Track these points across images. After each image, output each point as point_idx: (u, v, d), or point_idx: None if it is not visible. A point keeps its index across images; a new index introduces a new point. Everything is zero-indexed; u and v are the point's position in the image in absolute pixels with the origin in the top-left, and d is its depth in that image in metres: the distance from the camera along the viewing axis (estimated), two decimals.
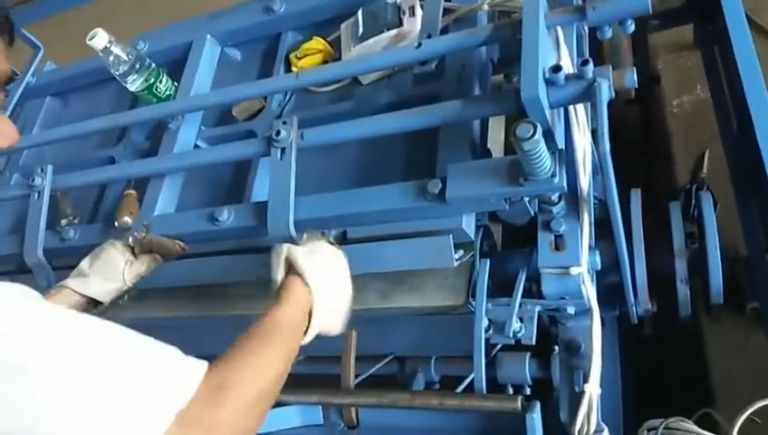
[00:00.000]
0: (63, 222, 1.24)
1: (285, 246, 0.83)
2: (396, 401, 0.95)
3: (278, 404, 1.06)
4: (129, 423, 0.52)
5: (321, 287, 0.78)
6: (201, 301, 1.20)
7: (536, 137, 0.74)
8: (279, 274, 0.80)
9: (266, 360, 0.66)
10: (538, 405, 0.88)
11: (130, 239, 1.02)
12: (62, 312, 0.57)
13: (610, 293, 1.09)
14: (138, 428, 0.52)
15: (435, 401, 0.93)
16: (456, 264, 0.93)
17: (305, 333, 0.77)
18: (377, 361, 1.18)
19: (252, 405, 0.61)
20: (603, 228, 1.00)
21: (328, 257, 0.84)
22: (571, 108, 0.90)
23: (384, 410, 1.01)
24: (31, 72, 1.53)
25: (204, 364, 0.60)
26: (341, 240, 0.99)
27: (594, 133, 0.87)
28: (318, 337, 0.80)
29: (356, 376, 1.05)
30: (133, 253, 1.02)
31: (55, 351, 0.52)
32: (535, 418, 0.86)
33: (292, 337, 0.74)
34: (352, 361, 1.01)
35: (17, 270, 1.27)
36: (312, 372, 1.28)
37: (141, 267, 1.00)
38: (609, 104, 0.81)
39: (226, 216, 1.04)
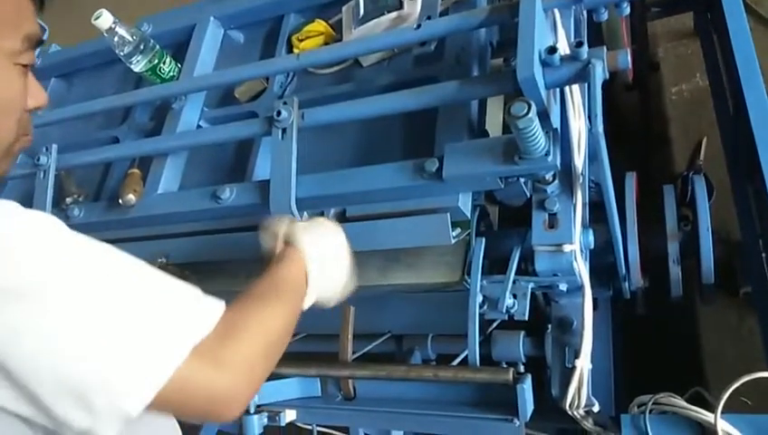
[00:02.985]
0: (68, 200, 1.26)
1: (281, 221, 0.84)
2: (392, 374, 0.98)
3: (277, 377, 1.09)
4: (145, 353, 0.52)
5: (317, 254, 0.79)
6: (203, 278, 1.22)
7: (530, 115, 0.75)
8: (278, 245, 0.82)
9: (272, 310, 0.67)
10: (529, 377, 0.91)
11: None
12: (88, 239, 0.56)
13: (604, 274, 1.12)
14: (154, 358, 0.52)
15: (429, 374, 0.95)
16: (453, 241, 0.95)
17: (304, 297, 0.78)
18: (374, 339, 1.21)
19: (262, 349, 0.61)
20: (598, 212, 1.02)
21: (324, 229, 0.86)
22: (566, 90, 0.92)
23: (380, 383, 1.04)
24: (36, 53, 1.54)
25: (222, 304, 0.61)
26: (340, 219, 1.01)
27: (591, 118, 0.89)
28: (317, 312, 0.82)
29: (353, 353, 1.08)
30: None
31: (75, 276, 0.52)
32: (526, 389, 0.89)
33: (294, 294, 0.74)
34: (350, 336, 1.03)
35: None
36: (311, 350, 1.31)
37: None
38: (605, 87, 0.83)
39: (228, 194, 1.06)
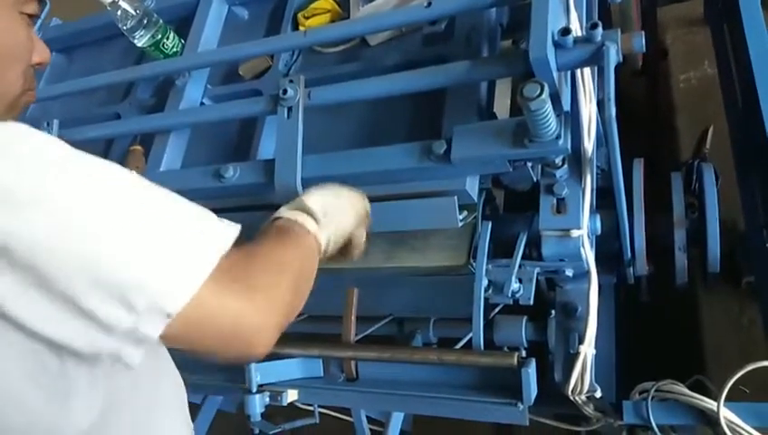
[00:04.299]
0: None
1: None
2: (396, 356, 0.98)
3: (280, 356, 1.09)
4: (181, 254, 0.52)
5: (314, 201, 0.78)
6: None
7: (543, 96, 0.74)
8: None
9: (287, 250, 0.67)
10: (533, 361, 0.91)
11: None
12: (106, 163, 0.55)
13: (609, 260, 1.11)
14: (189, 259, 0.52)
15: (433, 356, 0.95)
16: (460, 225, 0.94)
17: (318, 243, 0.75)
18: (377, 322, 1.21)
19: (289, 281, 0.61)
20: (606, 198, 1.02)
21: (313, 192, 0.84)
22: (578, 73, 0.91)
23: (383, 365, 1.04)
24: (36, 27, 1.52)
25: (238, 226, 0.60)
26: None
27: (600, 104, 0.88)
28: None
29: (356, 335, 1.08)
30: None
31: (105, 184, 0.51)
32: (530, 373, 0.89)
33: (300, 240, 0.73)
34: (353, 317, 1.03)
35: None
36: (314, 331, 1.31)
37: None
38: (617, 71, 0.81)
39: (232, 172, 1.05)
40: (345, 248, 0.85)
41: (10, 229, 0.45)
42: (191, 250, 0.53)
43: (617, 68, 0.81)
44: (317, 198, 0.80)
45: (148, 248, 0.50)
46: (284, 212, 0.77)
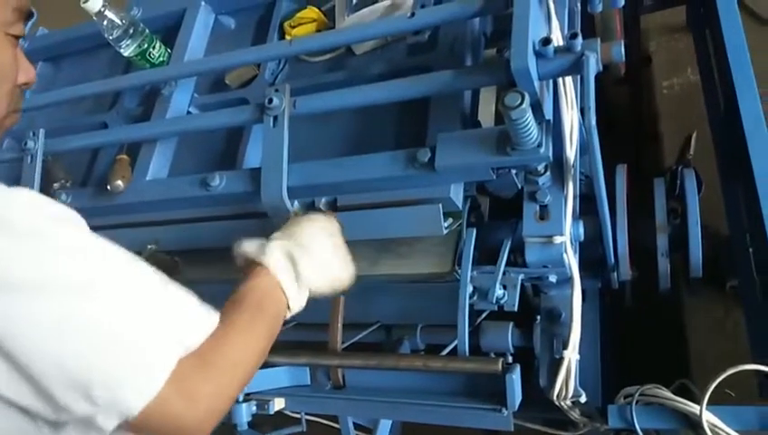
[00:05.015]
0: (56, 186, 1.24)
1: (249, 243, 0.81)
2: (381, 363, 0.98)
3: (267, 365, 1.09)
4: (144, 356, 0.55)
5: (285, 263, 0.78)
6: (192, 265, 1.21)
7: (523, 106, 0.75)
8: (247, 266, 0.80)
9: (253, 338, 0.68)
10: (518, 367, 0.91)
11: (142, 255, 1.07)
12: (92, 237, 0.58)
13: (594, 265, 1.12)
14: (151, 363, 0.55)
15: (419, 363, 0.96)
16: (445, 232, 0.95)
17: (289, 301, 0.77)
18: (364, 329, 1.21)
19: (238, 382, 0.65)
20: (589, 204, 1.03)
21: (298, 228, 0.84)
22: (559, 81, 0.92)
23: (370, 372, 1.04)
24: (26, 27, 1.51)
25: (216, 318, 0.63)
26: (332, 208, 1.01)
27: (583, 111, 0.89)
28: (307, 302, 0.82)
29: (343, 343, 1.08)
30: None
31: (81, 272, 0.54)
32: (515, 379, 0.89)
33: (274, 308, 0.75)
34: (340, 325, 1.03)
35: None
36: (301, 339, 1.31)
37: None
38: (598, 79, 0.83)
39: (218, 181, 1.05)
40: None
41: None
42: (154, 354, 0.56)
43: (598, 76, 0.82)
44: (306, 262, 0.80)
45: (114, 350, 0.53)
46: (272, 260, 0.77)
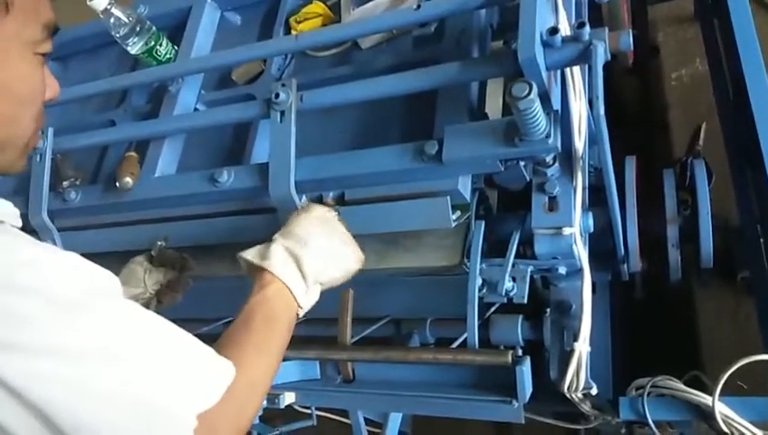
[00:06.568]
0: (65, 184, 1.25)
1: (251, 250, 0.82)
2: (391, 356, 0.98)
3: None
4: (163, 420, 0.55)
5: (292, 268, 0.79)
6: (202, 261, 1.22)
7: (531, 96, 0.75)
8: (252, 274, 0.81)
9: (268, 360, 0.69)
10: (528, 359, 0.91)
11: (152, 251, 1.09)
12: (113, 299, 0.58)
13: (604, 257, 1.12)
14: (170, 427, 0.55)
15: (429, 356, 0.96)
16: (453, 225, 0.95)
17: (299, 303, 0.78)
18: (373, 323, 1.21)
19: (254, 409, 0.65)
20: (598, 195, 1.02)
21: (300, 226, 0.84)
22: (567, 72, 0.91)
23: (379, 366, 1.04)
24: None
25: (233, 371, 0.62)
26: (340, 202, 1.01)
27: (592, 101, 0.89)
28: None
29: (352, 337, 1.08)
30: (152, 263, 1.07)
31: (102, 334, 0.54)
32: (525, 371, 0.89)
33: (286, 317, 0.76)
34: (349, 319, 1.03)
35: (22, 230, 1.29)
36: (311, 334, 1.31)
37: (160, 275, 1.06)
38: (606, 69, 0.82)
39: (226, 177, 1.05)
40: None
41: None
42: (173, 414, 0.55)
43: (606, 66, 0.82)
44: (309, 258, 0.80)
45: (145, 417, 0.54)
46: (275, 264, 0.77)
